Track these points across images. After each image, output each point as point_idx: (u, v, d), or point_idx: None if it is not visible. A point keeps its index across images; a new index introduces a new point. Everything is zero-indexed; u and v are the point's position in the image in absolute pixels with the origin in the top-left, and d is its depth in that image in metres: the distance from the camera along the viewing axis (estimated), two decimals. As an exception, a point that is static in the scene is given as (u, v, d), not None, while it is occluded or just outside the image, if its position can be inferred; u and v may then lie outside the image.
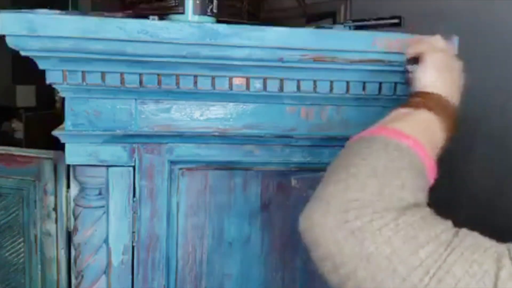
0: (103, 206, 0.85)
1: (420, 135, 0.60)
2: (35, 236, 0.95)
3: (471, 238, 0.47)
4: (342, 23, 0.93)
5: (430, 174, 0.59)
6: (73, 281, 0.90)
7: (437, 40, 0.76)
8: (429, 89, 0.69)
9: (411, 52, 0.77)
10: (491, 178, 1.29)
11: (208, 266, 0.90)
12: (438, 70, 0.71)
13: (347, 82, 0.87)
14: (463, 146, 1.32)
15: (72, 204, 0.89)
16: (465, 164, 1.32)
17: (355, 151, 0.58)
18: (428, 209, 0.51)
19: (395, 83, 0.88)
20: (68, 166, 0.89)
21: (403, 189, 0.52)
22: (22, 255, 0.97)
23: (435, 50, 0.74)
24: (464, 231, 0.48)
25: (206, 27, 0.78)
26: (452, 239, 0.46)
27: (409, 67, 0.78)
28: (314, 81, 0.86)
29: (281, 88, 0.85)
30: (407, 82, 0.78)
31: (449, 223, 0.50)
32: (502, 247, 0.46)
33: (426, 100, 0.67)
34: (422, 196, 0.54)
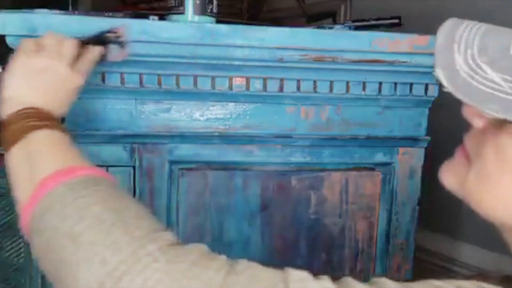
0: (103, 206, 0.84)
1: (71, 156, 0.54)
2: (35, 236, 0.95)
3: (250, 271, 0.43)
4: (342, 23, 0.93)
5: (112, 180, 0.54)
6: (73, 281, 0.90)
7: (34, 40, 0.64)
8: (16, 105, 0.58)
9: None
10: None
11: (208, 266, 0.89)
12: (21, 76, 0.61)
13: (347, 82, 0.87)
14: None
15: (72, 204, 0.89)
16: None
17: (62, 216, 0.47)
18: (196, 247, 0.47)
19: (395, 83, 0.88)
20: (68, 166, 0.88)
21: (142, 219, 0.47)
22: (22, 255, 0.97)
23: (21, 52, 0.63)
24: (243, 263, 0.45)
25: (206, 27, 0.78)
26: (224, 280, 0.42)
27: None
28: (314, 81, 0.86)
29: (281, 88, 0.85)
30: None
31: (221, 258, 0.46)
32: (277, 278, 0.43)
33: (17, 122, 0.56)
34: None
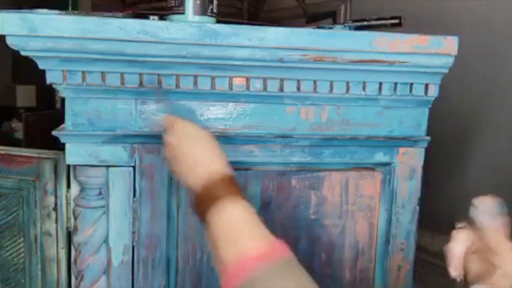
0: (103, 206, 0.84)
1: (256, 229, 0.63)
2: (35, 236, 0.95)
3: None
4: (342, 23, 0.93)
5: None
6: (73, 281, 0.90)
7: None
8: (195, 188, 0.65)
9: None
10: (491, 176, 1.29)
11: (208, 266, 0.89)
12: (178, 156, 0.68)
13: (347, 82, 0.87)
14: (464, 144, 1.32)
15: (72, 204, 0.89)
16: (465, 162, 1.32)
17: None
18: None
19: (395, 83, 0.88)
20: (68, 166, 0.88)
21: None
22: (22, 255, 0.97)
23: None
24: None
25: (206, 27, 0.78)
26: None
27: None
28: (314, 81, 0.86)
29: (281, 88, 0.85)
30: None
31: None
32: None
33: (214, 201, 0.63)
34: None
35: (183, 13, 0.83)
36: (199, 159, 0.67)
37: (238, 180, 0.65)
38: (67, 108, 0.82)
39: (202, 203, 0.63)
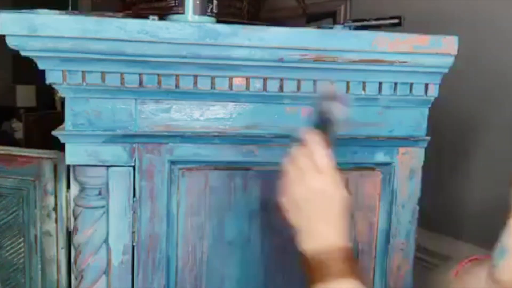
0: (103, 206, 0.84)
1: None
2: (35, 236, 0.95)
3: None
4: (342, 23, 0.93)
5: None
6: (73, 281, 0.90)
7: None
8: (309, 252, 0.62)
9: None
10: (491, 176, 1.29)
11: (208, 266, 0.90)
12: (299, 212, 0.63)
13: (347, 82, 0.87)
14: (464, 144, 1.32)
15: (72, 204, 0.89)
16: (466, 162, 1.32)
17: None
18: None
19: (395, 83, 0.88)
20: (68, 166, 0.89)
21: None
22: (22, 255, 0.97)
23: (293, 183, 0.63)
24: None
25: (206, 27, 0.78)
26: None
27: None
28: (314, 81, 0.86)
29: (281, 88, 0.85)
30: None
31: None
32: None
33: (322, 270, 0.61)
34: None
35: (183, 13, 0.83)
36: (323, 224, 0.63)
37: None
38: (67, 108, 0.82)
39: (314, 272, 0.62)
